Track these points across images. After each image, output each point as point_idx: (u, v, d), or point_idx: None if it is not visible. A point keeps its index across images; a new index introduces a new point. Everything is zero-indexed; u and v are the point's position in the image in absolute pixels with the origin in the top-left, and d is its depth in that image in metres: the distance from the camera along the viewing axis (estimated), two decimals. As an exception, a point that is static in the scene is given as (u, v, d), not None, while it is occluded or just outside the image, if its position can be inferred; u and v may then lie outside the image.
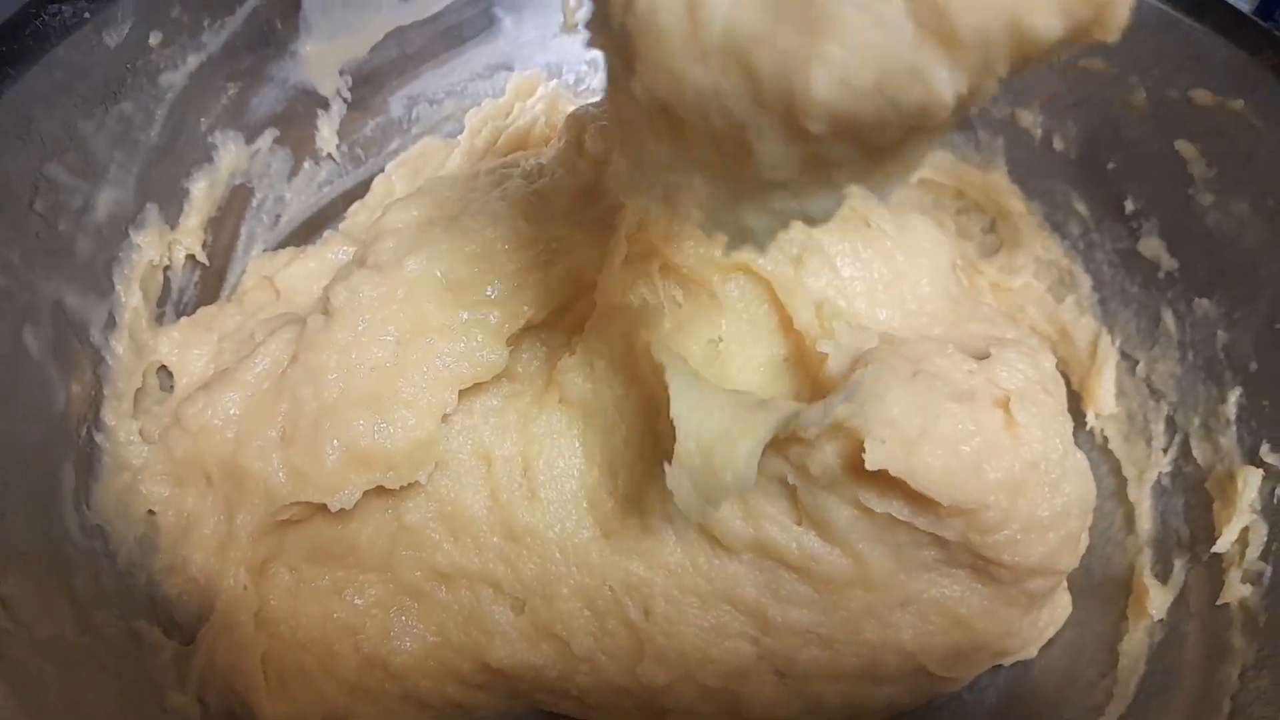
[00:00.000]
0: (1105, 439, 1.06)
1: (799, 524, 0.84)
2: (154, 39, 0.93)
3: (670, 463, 0.72)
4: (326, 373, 0.81)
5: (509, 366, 0.87)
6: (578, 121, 0.91)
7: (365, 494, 0.82)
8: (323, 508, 0.81)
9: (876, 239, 0.96)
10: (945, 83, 0.44)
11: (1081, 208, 1.12)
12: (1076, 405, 1.07)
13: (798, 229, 0.92)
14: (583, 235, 0.87)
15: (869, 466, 0.78)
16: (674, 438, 0.72)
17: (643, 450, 0.84)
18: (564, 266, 0.85)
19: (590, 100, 1.24)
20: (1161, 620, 0.94)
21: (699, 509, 0.75)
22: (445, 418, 0.83)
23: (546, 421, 0.86)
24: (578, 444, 0.87)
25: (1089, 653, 0.97)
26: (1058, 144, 1.12)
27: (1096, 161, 1.10)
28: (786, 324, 0.91)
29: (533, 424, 0.86)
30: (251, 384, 0.85)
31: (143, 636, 0.79)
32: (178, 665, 0.80)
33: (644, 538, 0.83)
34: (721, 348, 0.89)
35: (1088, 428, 1.07)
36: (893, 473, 0.79)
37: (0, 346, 0.78)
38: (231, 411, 0.85)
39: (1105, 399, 1.06)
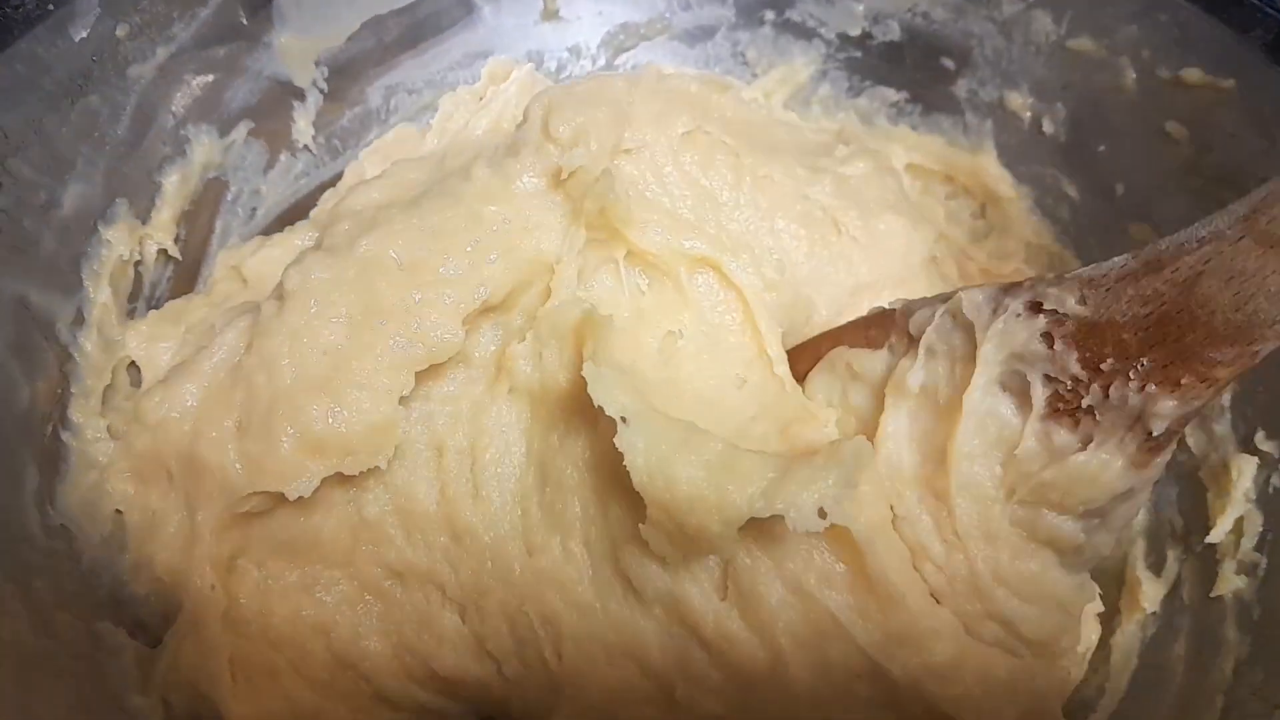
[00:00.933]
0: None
1: (722, 597, 0.76)
2: (121, 30, 0.92)
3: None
4: (279, 358, 0.80)
5: (466, 351, 0.85)
6: (544, 102, 0.89)
7: (326, 484, 0.81)
8: (283, 498, 0.79)
9: (845, 248, 0.94)
10: None
11: (1072, 191, 1.10)
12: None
13: (770, 235, 0.91)
14: (543, 218, 0.85)
15: (803, 528, 0.69)
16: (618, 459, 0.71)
17: (574, 455, 0.81)
18: (525, 248, 0.84)
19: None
20: (1154, 613, 0.91)
21: (676, 558, 0.74)
22: (403, 401, 0.81)
23: (497, 413, 0.85)
24: (523, 439, 0.85)
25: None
26: (1047, 127, 1.10)
27: (1086, 145, 1.08)
28: (754, 338, 0.88)
29: (484, 414, 0.85)
30: (209, 374, 0.84)
31: (104, 639, 0.78)
32: (140, 667, 0.78)
33: (563, 565, 0.80)
34: (680, 344, 0.86)
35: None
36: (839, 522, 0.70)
37: (-43, 343, 0.77)
38: (189, 404, 0.84)
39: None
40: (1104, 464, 0.70)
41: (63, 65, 0.88)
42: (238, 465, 0.80)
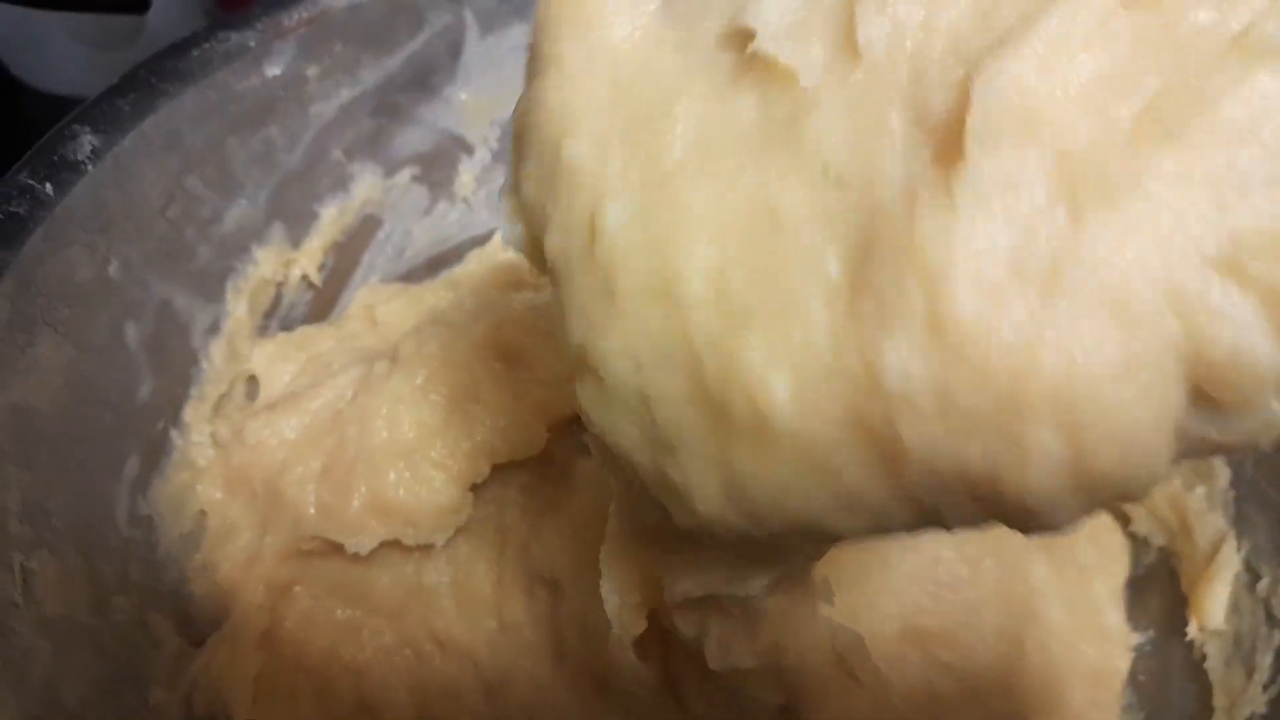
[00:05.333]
0: (1203, 656, 0.94)
1: None
2: (311, 71, 0.98)
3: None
4: (375, 418, 0.84)
5: (550, 450, 0.86)
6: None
7: (390, 545, 0.84)
8: (342, 547, 0.83)
9: None
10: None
11: None
12: (1180, 609, 0.96)
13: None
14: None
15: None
16: None
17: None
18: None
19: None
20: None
21: None
22: (474, 488, 0.83)
23: (566, 518, 0.85)
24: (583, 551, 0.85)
25: None
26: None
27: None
28: None
29: (553, 514, 0.86)
30: (312, 413, 0.89)
31: (152, 628, 0.83)
32: (176, 663, 0.83)
33: (579, 679, 0.79)
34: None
35: (1186, 639, 0.95)
36: None
37: (99, 335, 0.84)
38: (287, 436, 0.88)
39: (1214, 612, 0.94)
40: None
41: (252, 97, 0.95)
42: (312, 507, 0.85)
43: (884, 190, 0.35)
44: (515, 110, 0.50)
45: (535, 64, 0.46)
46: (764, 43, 0.38)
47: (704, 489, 0.40)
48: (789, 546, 0.44)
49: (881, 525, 0.38)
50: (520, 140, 0.48)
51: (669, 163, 0.40)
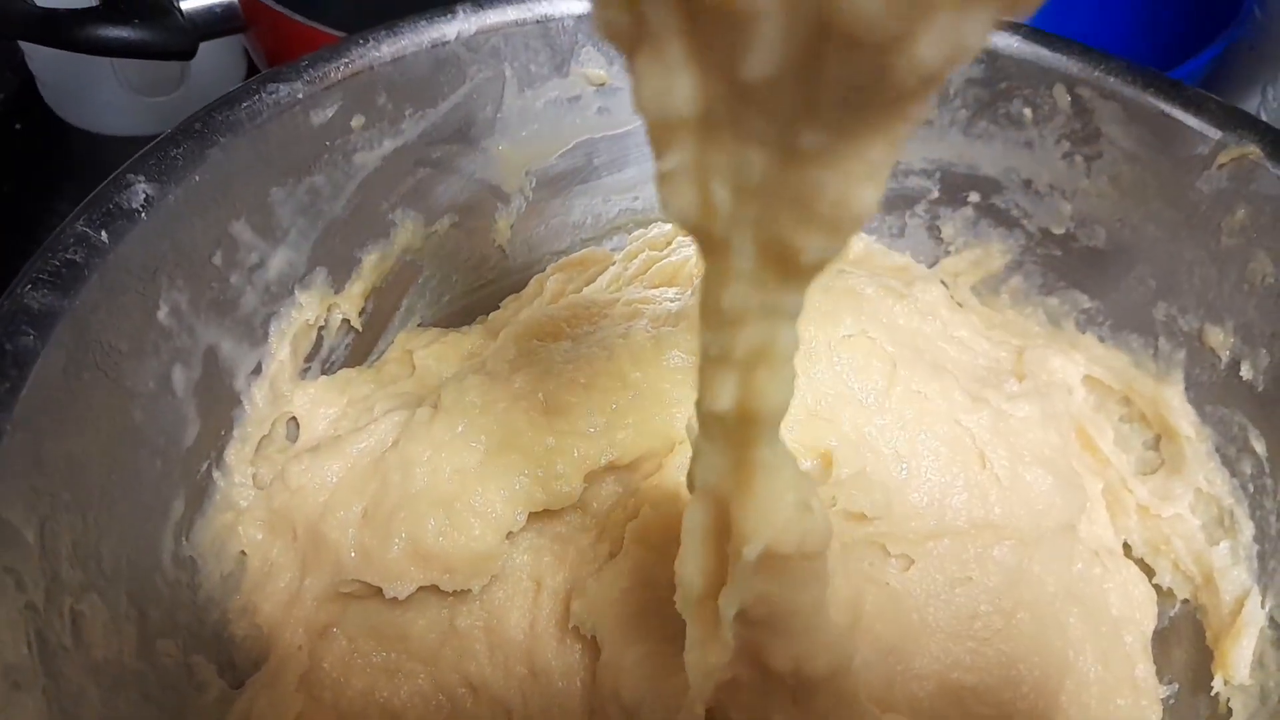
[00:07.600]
0: (1229, 710, 0.95)
1: None
2: (356, 122, 1.01)
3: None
4: (416, 465, 0.86)
5: (585, 499, 0.88)
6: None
7: (426, 589, 0.86)
8: (380, 590, 0.85)
9: (984, 482, 0.90)
10: None
11: (1259, 447, 1.02)
12: (1205, 663, 0.97)
13: (905, 443, 0.86)
14: (683, 394, 0.87)
15: None
16: None
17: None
18: (658, 420, 0.86)
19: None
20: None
21: None
22: (510, 535, 0.85)
23: (596, 569, 0.87)
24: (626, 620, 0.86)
25: None
26: (1245, 372, 1.03)
27: (1285, 402, 1.00)
28: None
29: (585, 566, 0.87)
30: (354, 457, 0.91)
31: (195, 671, 0.84)
32: (219, 706, 0.84)
33: None
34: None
35: (1212, 693, 0.96)
36: None
37: (149, 382, 0.86)
38: (329, 480, 0.90)
39: (1238, 666, 0.95)
40: None
41: (299, 147, 0.97)
42: (352, 551, 0.86)
43: None
44: None
45: None
46: None
47: None
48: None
49: None
50: None
51: None
